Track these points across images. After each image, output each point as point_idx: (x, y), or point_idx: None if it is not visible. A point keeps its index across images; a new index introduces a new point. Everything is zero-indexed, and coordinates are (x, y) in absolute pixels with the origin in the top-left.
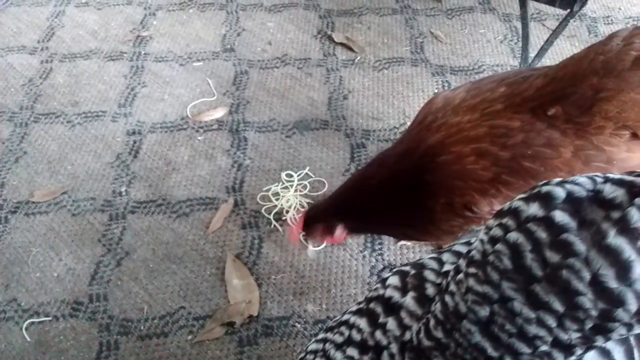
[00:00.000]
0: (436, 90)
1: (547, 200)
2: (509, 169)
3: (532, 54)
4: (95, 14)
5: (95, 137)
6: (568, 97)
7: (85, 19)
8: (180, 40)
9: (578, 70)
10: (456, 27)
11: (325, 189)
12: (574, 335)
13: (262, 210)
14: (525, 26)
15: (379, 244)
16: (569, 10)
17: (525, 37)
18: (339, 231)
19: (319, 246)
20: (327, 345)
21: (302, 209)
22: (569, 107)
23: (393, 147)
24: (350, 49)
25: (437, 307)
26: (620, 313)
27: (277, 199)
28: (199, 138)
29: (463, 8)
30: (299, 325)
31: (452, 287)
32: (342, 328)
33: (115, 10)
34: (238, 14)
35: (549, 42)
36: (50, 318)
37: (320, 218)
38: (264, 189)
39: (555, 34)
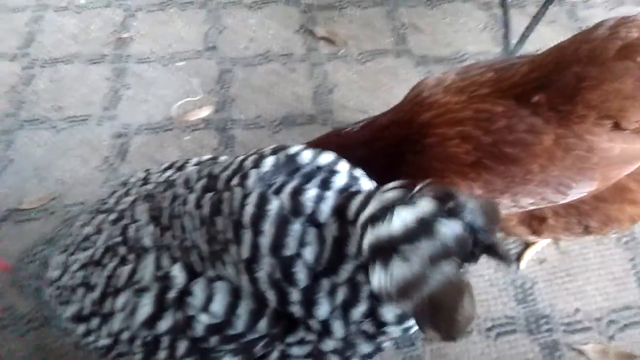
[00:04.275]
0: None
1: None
2: (490, 153)
3: (514, 40)
4: (74, 18)
5: (81, 142)
6: (552, 84)
7: (65, 23)
8: (161, 41)
9: (562, 58)
10: (437, 17)
11: None
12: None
13: None
14: (505, 13)
15: None
16: None
17: (506, 24)
18: None
19: None
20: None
21: None
22: (552, 95)
23: (383, 114)
24: (333, 42)
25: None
26: None
27: None
28: (186, 138)
29: None
30: None
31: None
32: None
33: (94, 13)
34: (219, 12)
35: (529, 29)
36: None
37: None
38: None
39: (536, 19)
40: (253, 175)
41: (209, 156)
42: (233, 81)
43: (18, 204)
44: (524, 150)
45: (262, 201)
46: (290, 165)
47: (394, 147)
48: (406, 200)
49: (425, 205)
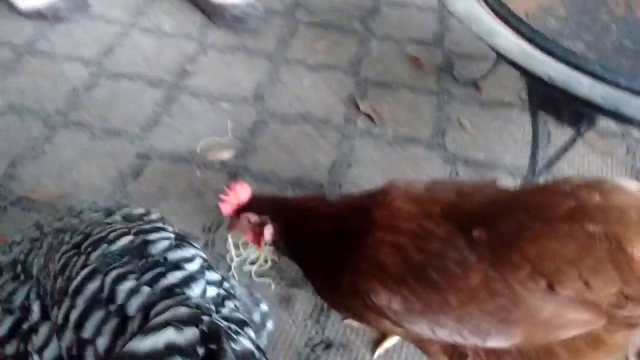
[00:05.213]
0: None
1: None
2: (415, 272)
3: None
4: (154, 41)
5: (108, 153)
6: (496, 224)
7: (144, 44)
8: (219, 80)
9: (515, 201)
10: (487, 119)
11: None
12: None
13: (227, 256)
14: (535, 134)
15: (326, 317)
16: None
17: (535, 146)
18: (267, 233)
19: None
20: None
21: (267, 263)
22: (493, 235)
23: (360, 195)
24: (372, 120)
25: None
26: None
27: (244, 249)
28: (197, 174)
29: (501, 102)
30: None
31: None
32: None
33: (173, 42)
34: (280, 67)
35: (556, 157)
36: None
37: (256, 209)
38: (238, 235)
39: (563, 150)
40: (100, 249)
41: (142, 210)
42: (264, 133)
43: (31, 192)
44: (448, 280)
45: (88, 278)
46: (141, 251)
47: (345, 234)
48: (183, 323)
49: (179, 336)
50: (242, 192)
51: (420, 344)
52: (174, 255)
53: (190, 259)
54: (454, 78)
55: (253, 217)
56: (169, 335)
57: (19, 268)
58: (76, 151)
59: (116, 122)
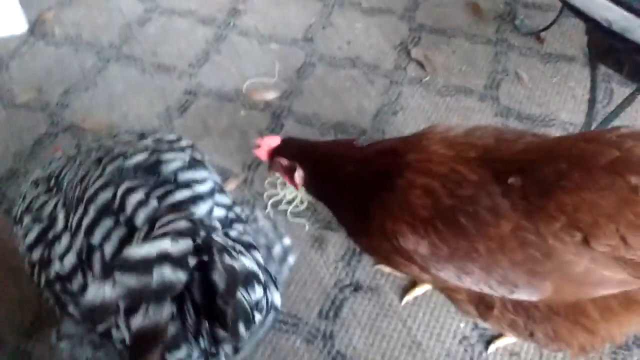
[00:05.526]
0: None
1: None
2: (444, 216)
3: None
4: None
5: (157, 87)
6: (533, 172)
7: None
8: (269, 20)
9: (553, 150)
10: (546, 73)
11: None
12: None
13: (265, 195)
14: (593, 89)
15: (357, 260)
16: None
17: (592, 101)
18: (298, 177)
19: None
20: None
21: (303, 204)
22: (529, 183)
23: (390, 140)
24: (423, 67)
25: None
26: None
27: (282, 189)
28: (242, 113)
29: (563, 56)
30: None
31: None
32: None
33: None
34: (332, 9)
35: (613, 114)
36: None
37: (287, 154)
38: (276, 175)
39: (621, 107)
40: (116, 164)
41: (173, 137)
42: (310, 75)
43: (81, 121)
44: (477, 227)
45: (101, 188)
46: (154, 168)
47: (375, 175)
48: (180, 235)
49: (173, 246)
50: (271, 140)
51: (448, 292)
52: (186, 175)
53: (200, 181)
54: (515, 27)
55: (284, 161)
56: (164, 244)
57: (52, 182)
58: (126, 84)
59: (166, 57)
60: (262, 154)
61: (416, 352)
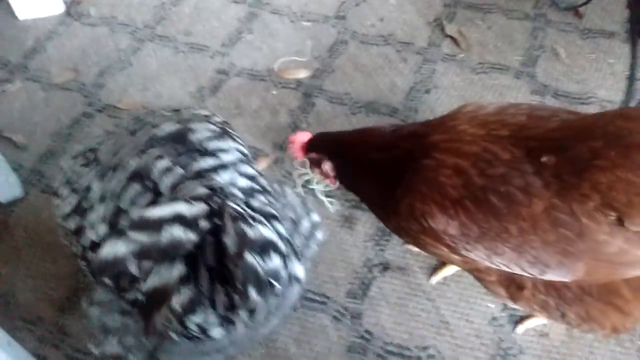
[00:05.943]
0: None
1: None
2: (475, 196)
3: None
4: None
5: (190, 67)
6: (567, 150)
7: None
8: None
9: (590, 127)
10: (585, 49)
11: None
12: None
13: (295, 174)
14: (634, 65)
15: (386, 240)
16: None
17: (632, 78)
18: (328, 169)
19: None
20: None
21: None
22: (562, 161)
23: (414, 124)
24: (458, 44)
25: None
26: None
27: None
28: (273, 92)
29: (603, 31)
30: None
31: None
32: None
33: None
34: None
35: None
36: None
37: (317, 148)
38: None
39: None
40: (147, 133)
41: (206, 112)
42: (342, 53)
43: (117, 101)
44: (509, 206)
45: (131, 156)
46: (182, 137)
47: (400, 159)
48: (195, 199)
49: (187, 209)
50: (302, 136)
51: (478, 273)
52: (212, 144)
53: (226, 150)
54: (554, 2)
55: (314, 155)
56: (179, 206)
57: (91, 155)
58: (160, 64)
59: (199, 37)
60: (296, 151)
61: (444, 332)
